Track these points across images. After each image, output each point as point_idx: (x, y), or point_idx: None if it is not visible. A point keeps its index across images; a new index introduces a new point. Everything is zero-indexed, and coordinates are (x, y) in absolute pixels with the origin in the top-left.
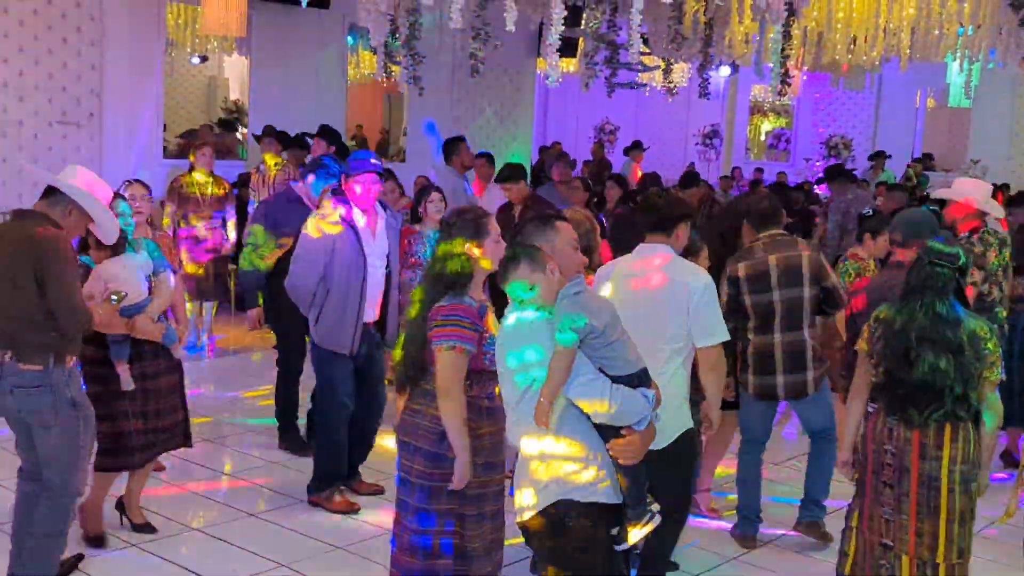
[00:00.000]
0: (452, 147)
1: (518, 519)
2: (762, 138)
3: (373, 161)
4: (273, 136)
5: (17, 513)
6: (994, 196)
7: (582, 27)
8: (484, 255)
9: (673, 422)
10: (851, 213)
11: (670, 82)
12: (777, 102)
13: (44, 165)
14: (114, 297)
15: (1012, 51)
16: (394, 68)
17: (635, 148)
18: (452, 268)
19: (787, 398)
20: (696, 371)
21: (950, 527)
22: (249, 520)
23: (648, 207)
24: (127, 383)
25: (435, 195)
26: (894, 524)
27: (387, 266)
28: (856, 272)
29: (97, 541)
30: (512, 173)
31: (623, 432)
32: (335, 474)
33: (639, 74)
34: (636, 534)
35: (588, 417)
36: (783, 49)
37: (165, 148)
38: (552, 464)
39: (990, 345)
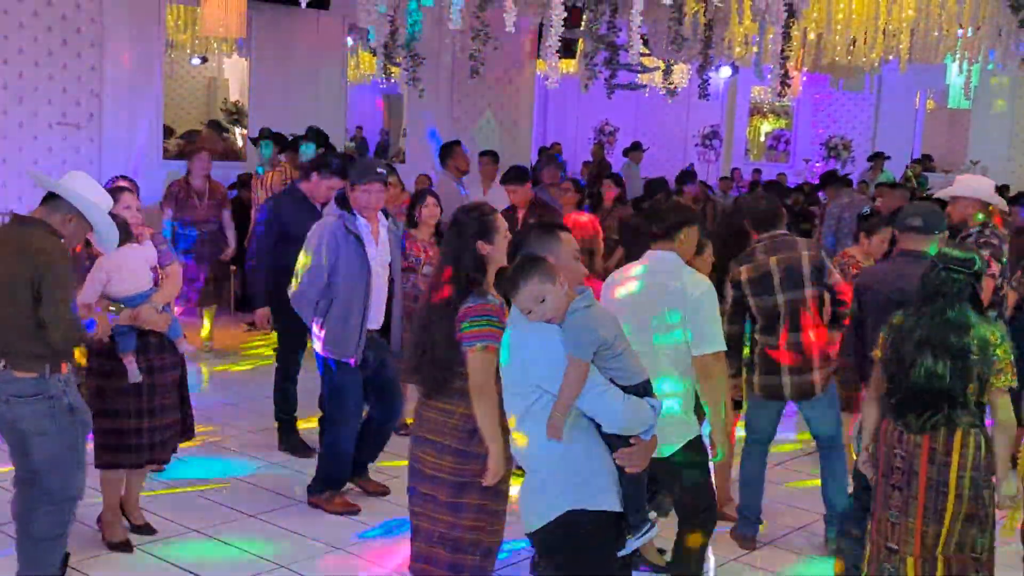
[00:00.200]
0: (447, 151)
1: (527, 529)
2: (762, 139)
3: (379, 170)
4: (271, 139)
5: (16, 519)
6: None
7: (582, 28)
8: (494, 252)
9: (677, 430)
10: (845, 218)
11: (670, 83)
12: (777, 103)
13: (44, 167)
14: (112, 309)
15: (1011, 53)
16: (394, 69)
17: (634, 149)
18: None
19: (794, 398)
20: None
21: (952, 526)
22: (249, 520)
23: (652, 215)
24: (134, 375)
25: (430, 199)
26: (900, 527)
27: (390, 274)
28: (841, 270)
29: (123, 547)
30: (517, 175)
31: (632, 441)
32: (338, 481)
33: (639, 75)
34: (632, 543)
35: (596, 426)
36: (783, 50)
37: (165, 149)
38: (562, 474)
39: (999, 351)
